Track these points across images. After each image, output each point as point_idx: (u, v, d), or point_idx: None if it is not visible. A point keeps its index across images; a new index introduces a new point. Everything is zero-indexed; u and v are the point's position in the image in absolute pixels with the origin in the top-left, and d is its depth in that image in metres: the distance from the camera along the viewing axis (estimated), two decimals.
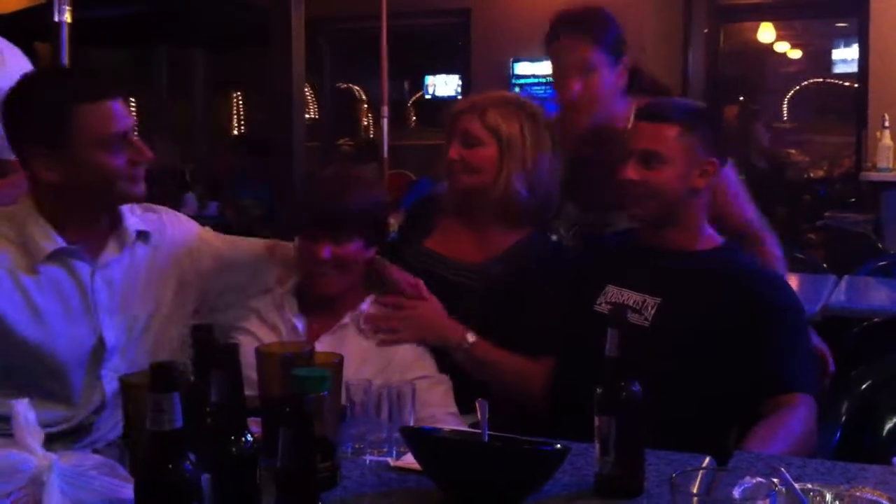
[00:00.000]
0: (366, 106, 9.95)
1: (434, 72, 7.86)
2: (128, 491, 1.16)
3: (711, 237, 2.17)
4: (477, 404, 1.65)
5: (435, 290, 2.25)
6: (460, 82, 7.23)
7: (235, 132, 9.86)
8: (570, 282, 2.26)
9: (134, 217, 2.05)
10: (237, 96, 10.03)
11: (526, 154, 2.33)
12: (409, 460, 1.62)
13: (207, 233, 2.24)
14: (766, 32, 7.91)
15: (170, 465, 1.12)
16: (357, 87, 10.03)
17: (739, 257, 2.16)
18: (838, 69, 8.12)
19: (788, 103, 8.36)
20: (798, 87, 8.27)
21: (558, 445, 1.55)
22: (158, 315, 2.06)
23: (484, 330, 2.22)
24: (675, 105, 2.20)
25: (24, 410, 1.22)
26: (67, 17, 2.95)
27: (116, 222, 2.01)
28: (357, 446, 1.72)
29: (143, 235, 2.06)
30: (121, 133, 1.89)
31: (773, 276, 2.16)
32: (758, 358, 1.99)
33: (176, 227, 2.16)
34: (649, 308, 2.07)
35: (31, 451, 1.20)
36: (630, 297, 2.10)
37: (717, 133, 2.19)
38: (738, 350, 2.00)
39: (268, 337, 2.10)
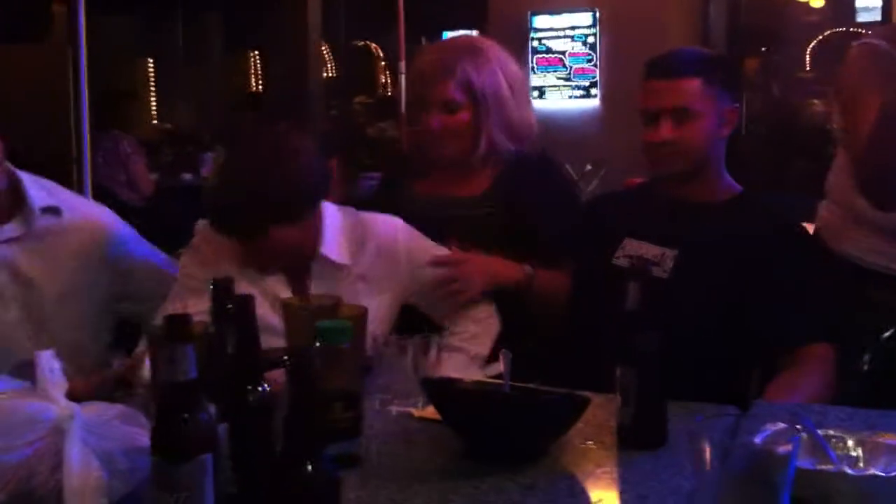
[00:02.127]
0: (383, 63, 9.89)
1: (451, 27, 7.77)
2: (149, 440, 1.16)
3: (731, 186, 2.14)
4: (500, 355, 1.65)
5: (437, 229, 2.19)
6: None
7: (252, 91, 9.83)
8: (587, 235, 2.24)
9: (42, 192, 2.05)
10: (254, 56, 10.00)
11: (504, 103, 2.27)
12: (432, 411, 1.63)
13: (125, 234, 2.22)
14: None
15: (185, 415, 1.12)
16: (374, 44, 9.96)
17: (758, 204, 2.13)
18: (861, 18, 7.98)
19: (811, 53, 8.23)
20: (820, 37, 8.14)
21: (578, 396, 1.55)
22: (67, 292, 2.06)
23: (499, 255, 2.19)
24: (690, 56, 2.16)
25: (47, 361, 1.23)
26: None
27: (19, 199, 2.02)
28: (384, 397, 1.72)
29: (51, 210, 2.05)
30: None
31: (792, 225, 2.13)
32: (777, 308, 1.98)
33: (91, 211, 2.18)
34: (668, 260, 2.05)
35: (54, 401, 1.21)
36: (649, 249, 2.08)
37: (735, 78, 2.16)
38: (757, 301, 1.98)
39: None
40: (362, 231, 2.10)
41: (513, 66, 2.34)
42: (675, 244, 2.06)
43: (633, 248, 2.11)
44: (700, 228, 2.07)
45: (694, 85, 2.04)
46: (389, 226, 2.13)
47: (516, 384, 1.63)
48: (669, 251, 2.06)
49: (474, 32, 6.76)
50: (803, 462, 1.29)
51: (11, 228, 2.02)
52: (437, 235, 2.18)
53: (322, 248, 2.02)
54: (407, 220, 2.18)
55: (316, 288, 2.02)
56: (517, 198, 2.27)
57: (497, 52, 2.33)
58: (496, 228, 2.25)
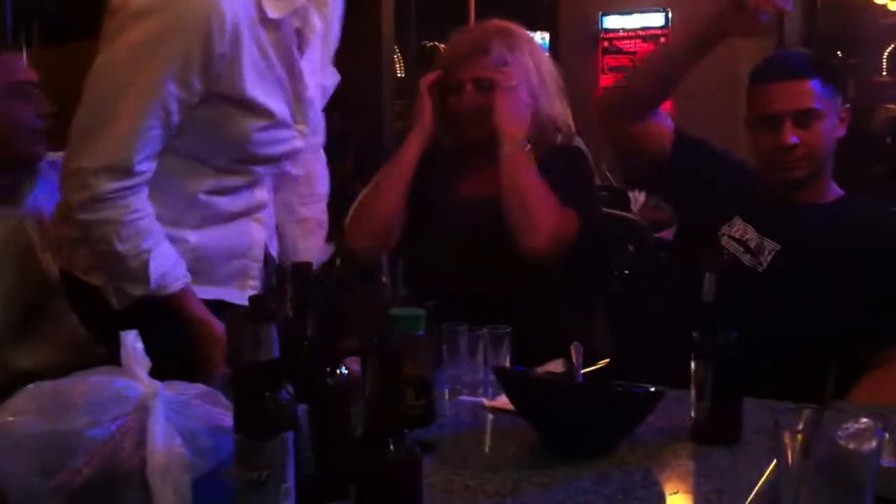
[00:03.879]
0: None
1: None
2: (230, 419, 1.18)
3: (835, 188, 2.12)
4: (572, 348, 1.64)
5: (470, 235, 2.22)
6: (548, 38, 7.14)
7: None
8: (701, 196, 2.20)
9: None
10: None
11: (532, 88, 2.26)
12: (502, 401, 1.63)
13: None
14: None
15: (267, 394, 1.14)
16: (443, 45, 9.98)
17: (861, 205, 2.11)
18: None
19: (888, 57, 8.06)
20: None
21: (652, 389, 1.54)
22: None
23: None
24: (802, 57, 2.14)
25: (132, 341, 1.25)
26: None
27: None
28: (453, 387, 1.73)
29: None
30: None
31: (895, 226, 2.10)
32: (877, 306, 1.95)
33: None
34: (766, 252, 2.03)
35: (138, 379, 1.23)
36: (752, 236, 2.06)
37: (842, 77, 2.13)
38: (856, 299, 1.96)
39: None
40: None
41: (542, 55, 2.36)
42: (779, 238, 2.04)
43: (740, 231, 2.08)
44: (806, 227, 2.05)
45: (815, 85, 2.02)
46: None
47: (588, 374, 1.63)
48: (771, 243, 2.04)
49: (546, 34, 6.75)
50: (887, 462, 1.27)
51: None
52: (469, 238, 2.21)
53: None
54: (445, 223, 2.24)
55: None
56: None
57: (528, 38, 2.35)
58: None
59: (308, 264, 1.41)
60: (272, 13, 1.78)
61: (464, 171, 2.34)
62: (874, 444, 1.11)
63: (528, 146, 2.20)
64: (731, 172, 2.21)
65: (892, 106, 7.34)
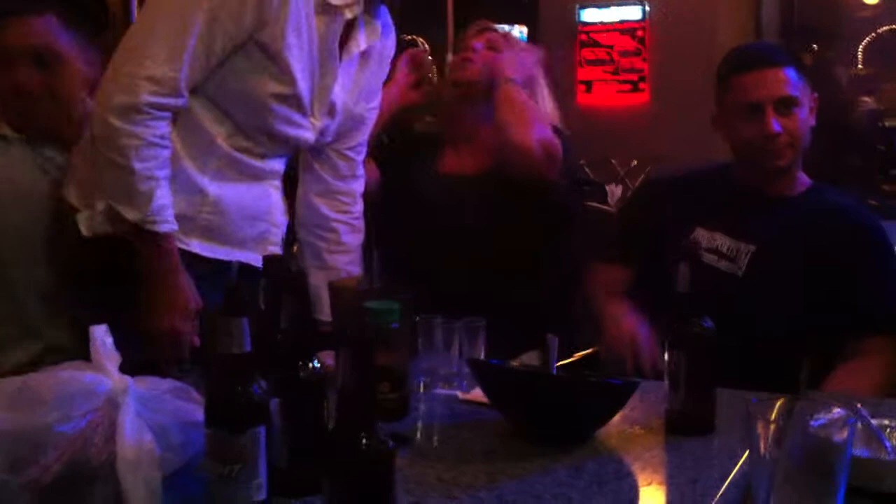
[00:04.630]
0: (430, 57, 9.89)
1: (500, 20, 7.77)
2: (201, 414, 1.17)
3: (803, 179, 2.12)
4: (547, 339, 1.64)
5: (453, 212, 2.32)
6: (526, 32, 7.14)
7: None
8: (647, 217, 2.21)
9: None
10: None
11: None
12: (477, 394, 1.63)
13: None
14: None
15: (238, 388, 1.13)
16: (421, 38, 9.96)
17: (831, 198, 2.11)
18: None
19: (864, 50, 8.11)
20: (874, 34, 8.01)
21: (626, 379, 1.54)
22: None
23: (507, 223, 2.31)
24: (775, 47, 2.16)
25: (101, 335, 1.24)
26: None
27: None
28: (428, 380, 1.73)
29: None
30: None
31: (868, 216, 2.11)
32: (848, 297, 1.96)
33: None
34: (743, 256, 2.02)
35: (108, 374, 1.22)
36: (723, 242, 2.05)
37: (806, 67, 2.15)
38: (828, 290, 1.96)
39: None
40: None
41: (534, 55, 2.51)
42: (752, 239, 2.03)
43: (707, 238, 2.07)
44: (778, 223, 2.05)
45: (792, 73, 2.02)
46: None
47: (562, 366, 1.62)
48: (745, 246, 2.03)
49: (524, 27, 6.75)
50: (858, 451, 1.27)
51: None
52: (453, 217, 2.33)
53: None
54: (428, 197, 2.34)
55: None
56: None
57: (522, 42, 2.56)
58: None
59: (279, 257, 1.41)
60: None
61: (441, 151, 2.45)
62: (846, 433, 1.11)
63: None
64: (671, 211, 2.19)
65: (867, 98, 7.38)
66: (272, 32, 1.78)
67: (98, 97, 1.77)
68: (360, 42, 1.96)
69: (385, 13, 2.02)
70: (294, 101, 1.86)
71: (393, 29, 2.07)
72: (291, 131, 1.91)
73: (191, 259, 1.83)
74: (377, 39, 2.01)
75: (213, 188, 1.87)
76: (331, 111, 1.96)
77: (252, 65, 1.80)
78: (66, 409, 1.21)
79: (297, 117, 1.90)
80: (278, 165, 2.00)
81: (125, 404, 1.22)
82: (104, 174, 1.76)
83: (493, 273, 2.27)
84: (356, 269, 2.12)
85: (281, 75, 1.82)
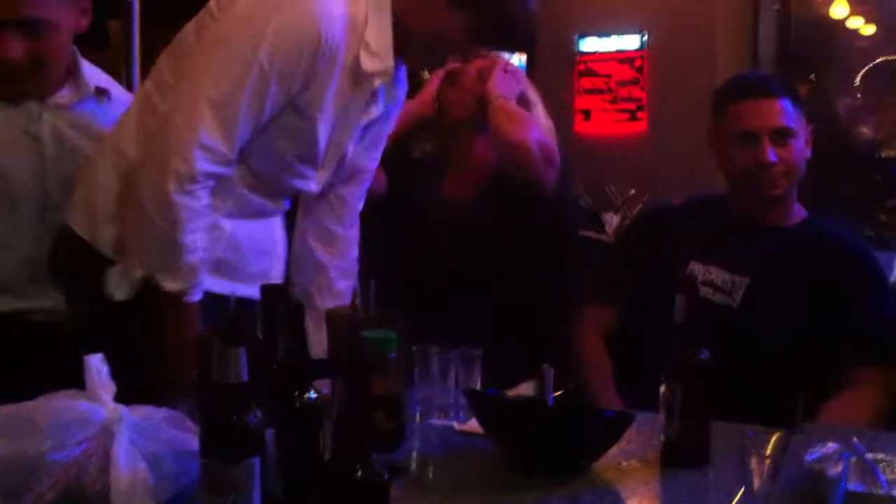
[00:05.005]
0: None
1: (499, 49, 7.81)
2: (196, 443, 1.17)
3: (799, 210, 2.13)
4: (543, 370, 1.64)
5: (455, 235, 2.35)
6: (525, 60, 7.18)
7: None
8: (643, 251, 2.22)
9: (100, 76, 2.11)
10: None
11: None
12: (473, 424, 1.63)
13: None
14: (839, 8, 7.72)
15: (234, 417, 1.13)
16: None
17: (826, 228, 2.11)
18: None
19: (861, 80, 8.16)
20: (871, 64, 8.06)
21: (622, 411, 1.54)
22: None
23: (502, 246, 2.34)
24: (773, 78, 2.18)
25: (97, 364, 1.24)
26: None
27: (75, 73, 2.04)
28: (424, 410, 1.73)
29: (101, 91, 2.08)
30: None
31: (862, 246, 2.11)
32: (843, 328, 1.96)
33: None
34: (738, 289, 2.02)
35: (103, 403, 1.22)
36: (718, 275, 2.05)
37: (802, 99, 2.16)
38: (824, 322, 1.96)
39: None
40: None
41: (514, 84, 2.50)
42: (747, 272, 2.03)
43: (702, 272, 2.07)
44: (773, 255, 2.05)
45: (788, 104, 2.04)
46: None
47: (559, 397, 1.62)
48: (740, 279, 2.03)
49: (523, 55, 6.78)
50: (853, 485, 1.27)
51: (62, 96, 2.04)
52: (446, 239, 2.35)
53: None
54: (432, 220, 2.38)
55: None
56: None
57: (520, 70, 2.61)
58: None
59: (277, 287, 1.41)
60: (366, 64, 1.80)
61: (442, 175, 2.47)
62: (840, 467, 1.12)
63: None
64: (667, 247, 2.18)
65: (865, 129, 7.41)
66: (312, 95, 1.75)
67: (150, 163, 1.71)
68: (380, 106, 1.95)
69: (402, 70, 2.00)
70: (311, 157, 1.86)
71: (405, 82, 2.05)
72: (300, 184, 1.91)
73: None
74: (394, 103, 2.02)
75: (228, 224, 1.85)
76: (339, 164, 1.96)
77: (284, 125, 1.78)
78: (60, 437, 1.21)
79: (309, 172, 1.90)
80: (286, 204, 2.00)
81: (119, 433, 1.22)
82: (149, 242, 1.72)
83: (493, 299, 2.29)
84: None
85: (308, 136, 1.81)
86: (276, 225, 1.99)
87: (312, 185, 1.94)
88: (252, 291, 1.86)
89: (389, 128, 2.09)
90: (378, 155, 2.10)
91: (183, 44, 1.82)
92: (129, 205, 1.74)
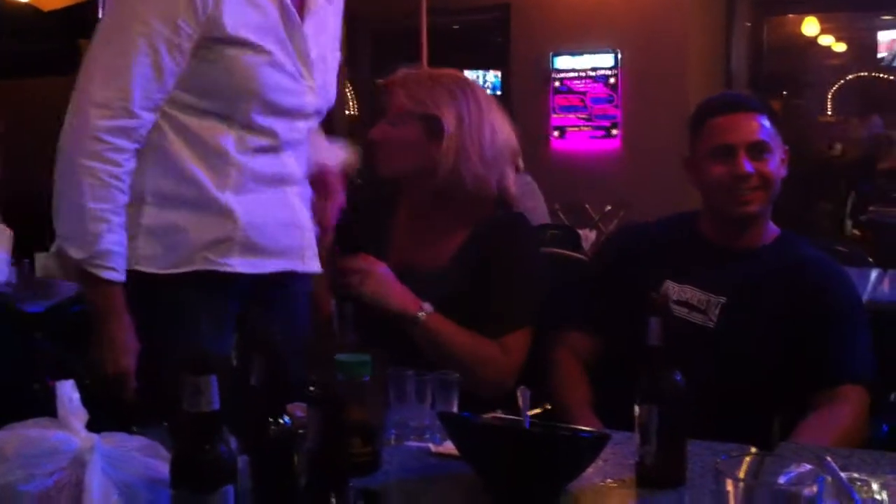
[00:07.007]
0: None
1: (474, 66, 7.84)
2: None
3: (771, 228, 2.14)
4: (518, 392, 1.64)
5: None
6: (500, 76, 7.21)
7: None
8: (615, 268, 2.22)
9: None
10: None
11: (464, 135, 2.09)
12: (449, 447, 1.62)
13: None
14: (810, 26, 7.81)
15: (206, 446, 1.13)
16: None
17: (799, 248, 2.12)
18: (885, 62, 8.00)
19: (833, 97, 8.24)
20: (842, 81, 8.15)
21: (597, 433, 1.54)
22: None
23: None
24: (749, 96, 2.19)
25: (68, 392, 1.23)
26: None
27: None
28: (399, 433, 1.72)
29: None
30: None
31: (835, 267, 2.12)
32: (819, 349, 1.97)
33: None
34: (714, 308, 2.03)
35: (74, 432, 1.21)
36: (694, 295, 2.05)
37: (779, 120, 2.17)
38: (800, 342, 1.97)
39: None
40: None
41: (472, 104, 2.13)
42: (722, 291, 2.04)
43: (677, 292, 2.07)
44: (748, 274, 2.05)
45: (764, 120, 2.05)
46: None
47: (535, 420, 1.62)
48: (716, 298, 2.04)
49: (497, 72, 6.80)
50: None
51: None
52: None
53: None
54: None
55: None
56: (484, 265, 2.13)
57: (452, 86, 2.16)
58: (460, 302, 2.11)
59: (258, 312, 1.41)
60: None
61: (411, 238, 2.25)
62: (815, 489, 1.12)
63: (428, 309, 2.06)
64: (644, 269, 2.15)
65: (837, 145, 7.49)
66: (218, 22, 1.81)
67: (62, 135, 1.79)
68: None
69: None
70: (278, 67, 1.89)
71: None
72: (292, 100, 1.94)
73: (233, 279, 1.84)
74: None
75: (237, 205, 1.88)
76: (316, 66, 1.98)
77: (222, 56, 1.84)
78: (31, 467, 1.20)
79: (289, 83, 1.92)
80: (296, 165, 2.01)
81: (92, 462, 1.21)
82: (57, 207, 1.78)
83: (464, 320, 2.21)
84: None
85: (252, 49, 1.85)
86: (290, 198, 2.00)
87: (307, 97, 1.96)
88: (288, 265, 1.91)
89: (341, 9, 2.10)
90: (338, 49, 2.11)
91: None
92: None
